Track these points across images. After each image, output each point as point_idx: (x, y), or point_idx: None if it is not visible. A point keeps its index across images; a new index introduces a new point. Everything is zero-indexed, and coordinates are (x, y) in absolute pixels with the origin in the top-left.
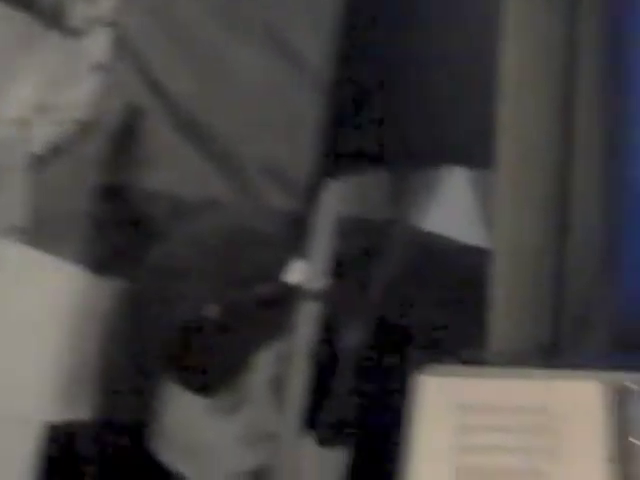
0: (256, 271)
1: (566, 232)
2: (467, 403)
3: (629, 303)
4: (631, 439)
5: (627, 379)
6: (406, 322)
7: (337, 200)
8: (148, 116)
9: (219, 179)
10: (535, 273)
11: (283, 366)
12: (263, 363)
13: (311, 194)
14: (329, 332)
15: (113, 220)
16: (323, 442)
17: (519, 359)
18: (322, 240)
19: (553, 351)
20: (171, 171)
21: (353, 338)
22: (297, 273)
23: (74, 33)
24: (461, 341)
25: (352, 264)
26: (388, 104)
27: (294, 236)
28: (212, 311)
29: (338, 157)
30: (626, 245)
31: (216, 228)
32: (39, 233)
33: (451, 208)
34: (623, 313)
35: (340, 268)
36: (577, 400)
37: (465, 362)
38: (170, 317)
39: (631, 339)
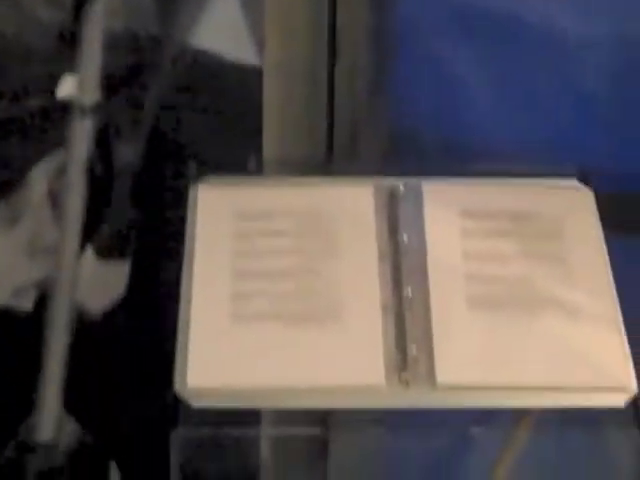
0: (25, 85)
1: (335, 52)
2: (244, 211)
3: (399, 116)
4: (400, 236)
5: (397, 183)
6: (180, 136)
7: (105, 13)
8: None
9: None
10: (307, 90)
11: (60, 180)
12: (38, 177)
13: (78, 6)
14: (104, 146)
15: None
16: (102, 254)
17: (294, 169)
18: (92, 54)
19: (327, 161)
20: None
21: (128, 152)
22: (68, 87)
23: None
24: (236, 153)
25: (123, 79)
26: None
27: (63, 50)
28: None
29: None
30: (395, 62)
31: None
32: None
33: (221, 25)
34: (393, 125)
35: (112, 83)
36: (350, 203)
37: (241, 172)
38: None
39: (401, 148)
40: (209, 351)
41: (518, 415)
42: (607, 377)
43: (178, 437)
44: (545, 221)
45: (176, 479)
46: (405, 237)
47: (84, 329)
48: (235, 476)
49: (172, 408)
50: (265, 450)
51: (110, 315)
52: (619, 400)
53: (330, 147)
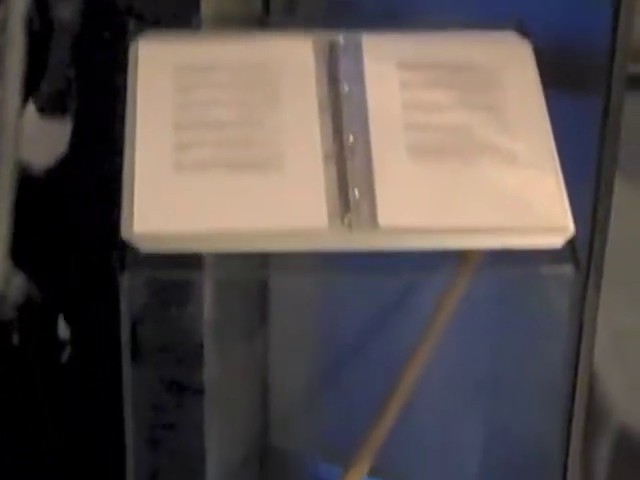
0: None
1: None
2: (185, 65)
3: None
4: (341, 87)
5: (336, 36)
6: None
7: None
8: None
9: None
10: None
11: None
12: None
13: None
14: (41, 3)
15: None
16: (44, 111)
17: (233, 25)
18: None
19: (265, 17)
20: None
21: (66, 9)
22: None
23: None
24: (175, 9)
25: None
26: None
27: None
28: None
29: None
30: None
31: None
32: None
33: None
34: None
35: None
36: (290, 56)
37: (180, 29)
38: None
39: (338, 6)
40: (154, 198)
41: (459, 259)
42: (546, 218)
43: (127, 281)
44: (483, 72)
45: (126, 324)
46: (345, 88)
47: (28, 185)
48: (180, 320)
49: (119, 254)
50: (208, 294)
51: (53, 171)
52: (557, 240)
53: (267, 3)
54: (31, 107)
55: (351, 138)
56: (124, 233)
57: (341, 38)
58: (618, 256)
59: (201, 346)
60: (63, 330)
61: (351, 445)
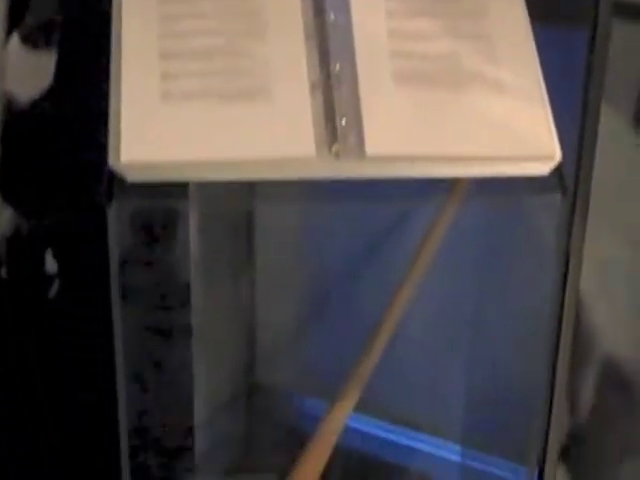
0: None
1: None
2: None
3: None
4: (327, 16)
5: None
6: None
7: None
8: None
9: None
10: None
11: None
12: None
13: None
14: None
15: None
16: (28, 42)
17: None
18: None
19: None
20: None
21: None
22: None
23: None
24: None
25: None
26: None
27: None
28: None
29: None
30: None
31: None
32: None
33: None
34: None
35: None
36: None
37: None
38: None
39: None
40: (141, 128)
41: (447, 188)
42: (533, 146)
43: (114, 211)
44: (470, 0)
45: (114, 254)
46: (331, 16)
47: (13, 118)
48: (166, 258)
49: (107, 185)
50: (194, 228)
51: (38, 103)
52: (544, 168)
53: None
54: (15, 39)
55: (337, 67)
56: (111, 162)
57: None
58: (604, 187)
59: (188, 284)
60: (51, 265)
61: (338, 380)
